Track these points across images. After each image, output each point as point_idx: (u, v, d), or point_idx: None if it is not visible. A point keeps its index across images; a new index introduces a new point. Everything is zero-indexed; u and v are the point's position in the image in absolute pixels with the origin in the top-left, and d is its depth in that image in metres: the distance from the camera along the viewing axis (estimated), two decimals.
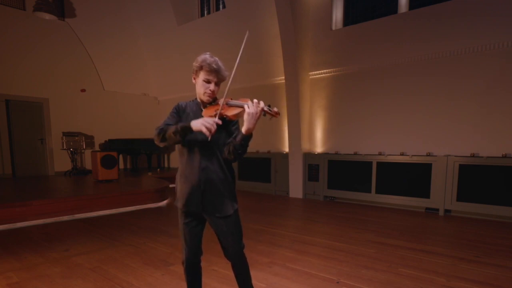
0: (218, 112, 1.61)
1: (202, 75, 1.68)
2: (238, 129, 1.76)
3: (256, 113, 1.59)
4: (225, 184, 1.76)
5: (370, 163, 6.15)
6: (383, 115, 6.19)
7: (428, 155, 5.57)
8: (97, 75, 9.50)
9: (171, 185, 7.01)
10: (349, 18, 6.67)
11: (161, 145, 1.69)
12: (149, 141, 9.48)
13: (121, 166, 10.08)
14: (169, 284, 2.69)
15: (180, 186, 1.78)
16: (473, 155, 5.17)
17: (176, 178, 1.84)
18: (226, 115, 1.64)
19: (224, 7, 8.34)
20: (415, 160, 5.66)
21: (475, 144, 5.23)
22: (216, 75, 1.67)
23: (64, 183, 7.16)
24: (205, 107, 1.75)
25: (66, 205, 5.08)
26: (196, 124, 1.56)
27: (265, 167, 7.68)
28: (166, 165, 10.91)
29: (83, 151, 9.17)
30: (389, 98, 6.09)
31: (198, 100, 1.79)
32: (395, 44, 5.89)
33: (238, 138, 1.65)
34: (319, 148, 7.13)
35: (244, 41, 1.61)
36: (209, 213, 1.76)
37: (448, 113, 5.48)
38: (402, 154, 5.85)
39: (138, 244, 3.76)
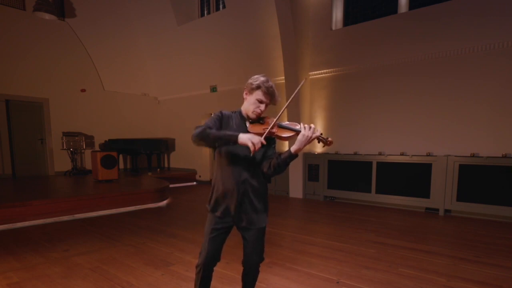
0: (267, 130, 1.67)
1: (257, 94, 1.77)
2: (275, 151, 1.86)
3: (311, 137, 1.68)
4: (260, 198, 1.87)
5: (370, 163, 6.15)
6: (383, 115, 6.19)
7: (428, 155, 5.56)
8: (97, 75, 9.49)
9: (171, 185, 7.01)
10: (349, 18, 6.67)
11: (197, 144, 1.73)
12: (149, 141, 9.48)
13: (121, 166, 10.07)
14: (169, 284, 2.69)
15: (218, 195, 1.84)
16: (473, 155, 5.17)
17: (213, 184, 1.89)
18: (278, 135, 1.73)
19: (224, 7, 8.33)
20: (415, 160, 5.66)
21: (475, 144, 5.23)
22: (271, 99, 1.79)
23: (64, 183, 7.15)
24: (250, 123, 1.82)
25: (66, 205, 5.08)
26: (244, 138, 1.61)
27: None
28: (166, 165, 10.90)
29: (83, 151, 9.17)
30: (389, 98, 6.09)
31: (244, 114, 1.85)
32: (395, 44, 5.89)
33: (285, 155, 1.72)
34: (319, 148, 7.13)
35: (299, 87, 1.84)
36: (243, 224, 1.83)
37: (448, 113, 5.48)
38: (402, 154, 5.85)
39: (138, 244, 3.76)
